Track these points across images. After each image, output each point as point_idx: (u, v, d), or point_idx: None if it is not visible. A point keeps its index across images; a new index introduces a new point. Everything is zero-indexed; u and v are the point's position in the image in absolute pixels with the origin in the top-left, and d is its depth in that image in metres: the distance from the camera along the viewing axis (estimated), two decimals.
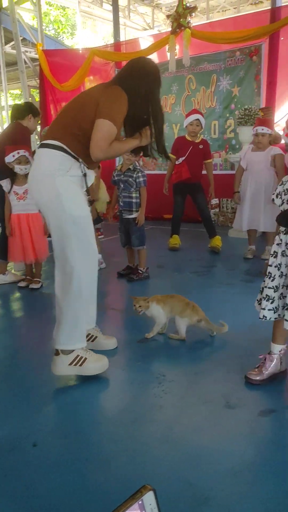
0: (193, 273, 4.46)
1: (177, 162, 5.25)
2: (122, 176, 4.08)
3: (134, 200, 4.12)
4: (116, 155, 2.41)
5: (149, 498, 0.58)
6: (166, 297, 2.89)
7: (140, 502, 0.57)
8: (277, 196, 2.16)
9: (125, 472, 1.65)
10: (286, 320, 2.06)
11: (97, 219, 4.56)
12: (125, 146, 2.38)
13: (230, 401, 2.11)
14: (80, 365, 2.33)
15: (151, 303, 2.84)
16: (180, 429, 1.90)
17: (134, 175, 4.06)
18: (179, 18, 6.66)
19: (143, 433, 1.89)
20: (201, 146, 5.21)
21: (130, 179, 4.06)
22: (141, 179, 4.07)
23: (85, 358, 2.34)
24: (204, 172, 5.31)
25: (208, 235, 5.34)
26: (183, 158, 5.17)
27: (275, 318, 2.18)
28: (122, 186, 4.09)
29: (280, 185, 2.16)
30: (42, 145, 2.26)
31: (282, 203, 2.12)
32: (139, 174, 4.06)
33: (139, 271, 4.25)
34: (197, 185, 5.27)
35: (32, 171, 2.33)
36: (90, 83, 8.63)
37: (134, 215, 4.14)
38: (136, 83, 2.30)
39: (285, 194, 2.11)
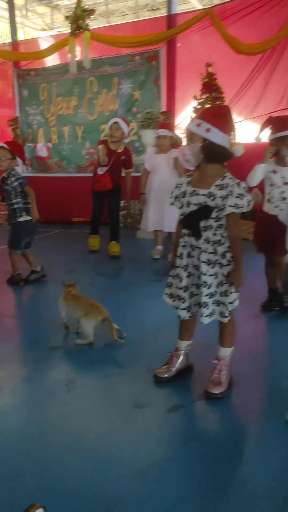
0: (103, 275, 4.46)
1: (99, 171, 5.09)
2: (3, 184, 4.10)
3: (15, 206, 4.10)
4: None
5: None
6: (73, 296, 2.93)
7: None
8: (175, 199, 2.21)
9: (34, 487, 1.59)
10: (201, 316, 2.13)
11: None
12: None
13: (139, 401, 2.13)
14: None
15: (60, 296, 2.97)
16: (90, 436, 1.88)
17: (8, 182, 4.05)
18: (77, 20, 6.62)
19: (52, 444, 1.84)
20: (122, 157, 5.12)
21: (7, 187, 4.07)
22: (15, 183, 4.04)
23: None
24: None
25: (110, 239, 5.36)
26: (106, 168, 5.05)
27: (189, 317, 2.24)
28: (5, 194, 4.13)
29: (176, 188, 2.22)
30: None
31: (182, 206, 2.18)
32: (13, 179, 4.05)
33: (36, 270, 4.30)
34: (115, 188, 5.21)
35: None
36: None
37: (20, 220, 4.11)
38: None
39: (183, 197, 2.17)
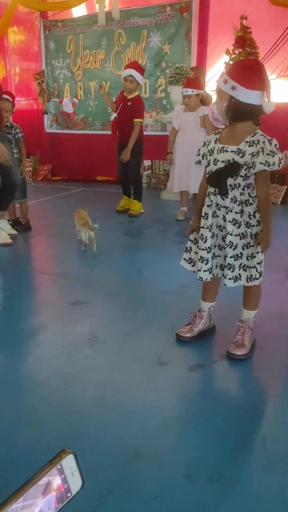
0: (126, 234, 4.45)
1: (111, 118, 5.07)
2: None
3: (15, 156, 4.22)
4: None
5: (68, 461, 0.57)
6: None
7: (59, 467, 0.55)
8: (202, 157, 2.14)
9: (57, 434, 1.64)
10: (225, 277, 2.10)
11: None
12: None
13: (162, 359, 2.16)
14: None
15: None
16: (113, 388, 1.92)
17: (13, 132, 4.20)
18: None
19: (76, 394, 1.89)
20: (129, 103, 4.89)
21: (10, 136, 4.16)
22: (19, 134, 4.26)
23: None
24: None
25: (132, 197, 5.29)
26: (115, 115, 5.00)
27: (211, 278, 2.22)
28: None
29: (203, 146, 2.14)
30: None
31: (208, 164, 2.11)
32: (17, 130, 4.24)
33: (22, 222, 4.48)
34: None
35: None
36: (14, 34, 8.07)
37: None
38: None
39: (210, 155, 2.10)
